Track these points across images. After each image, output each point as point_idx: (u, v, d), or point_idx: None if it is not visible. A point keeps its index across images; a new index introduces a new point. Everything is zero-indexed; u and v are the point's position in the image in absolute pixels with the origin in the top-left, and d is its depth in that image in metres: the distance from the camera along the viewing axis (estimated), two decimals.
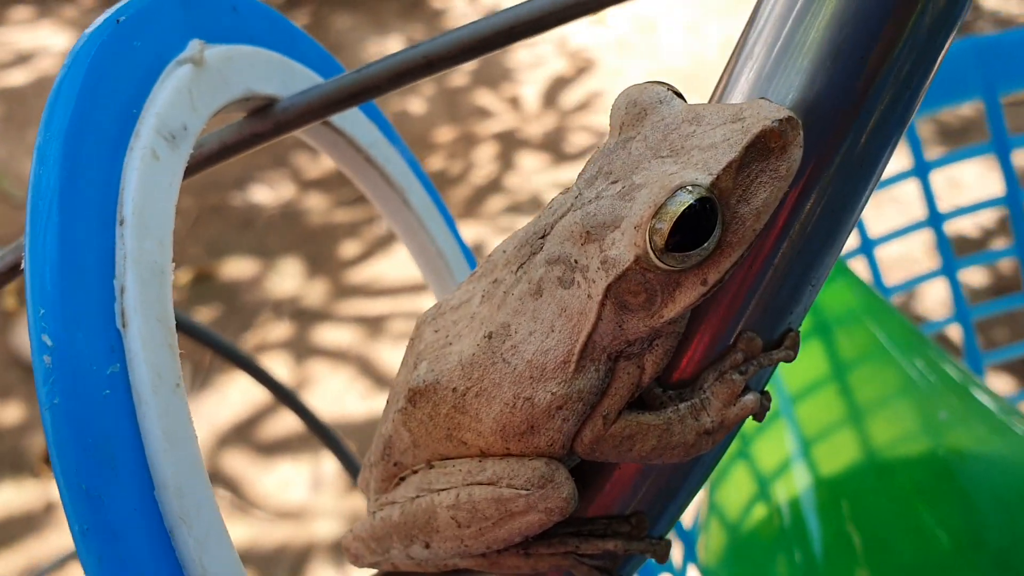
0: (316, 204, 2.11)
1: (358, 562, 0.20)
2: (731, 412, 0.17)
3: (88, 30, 0.17)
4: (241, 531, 1.51)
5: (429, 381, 0.18)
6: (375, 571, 0.21)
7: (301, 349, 1.78)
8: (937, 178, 0.39)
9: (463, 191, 2.11)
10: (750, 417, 0.18)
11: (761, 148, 0.15)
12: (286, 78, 0.22)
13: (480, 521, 0.18)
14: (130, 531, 0.13)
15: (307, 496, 1.55)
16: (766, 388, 0.19)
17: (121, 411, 0.14)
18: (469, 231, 2.00)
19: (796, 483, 0.33)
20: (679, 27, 2.54)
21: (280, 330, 1.82)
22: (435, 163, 2.20)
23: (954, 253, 0.41)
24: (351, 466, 0.37)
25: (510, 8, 0.19)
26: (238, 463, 1.61)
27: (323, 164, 2.23)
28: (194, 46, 0.19)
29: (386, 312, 1.84)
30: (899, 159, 0.41)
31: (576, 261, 0.16)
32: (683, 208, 0.15)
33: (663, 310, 0.16)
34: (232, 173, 2.21)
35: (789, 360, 0.18)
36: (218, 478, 1.58)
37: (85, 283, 0.14)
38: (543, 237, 0.17)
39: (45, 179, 0.15)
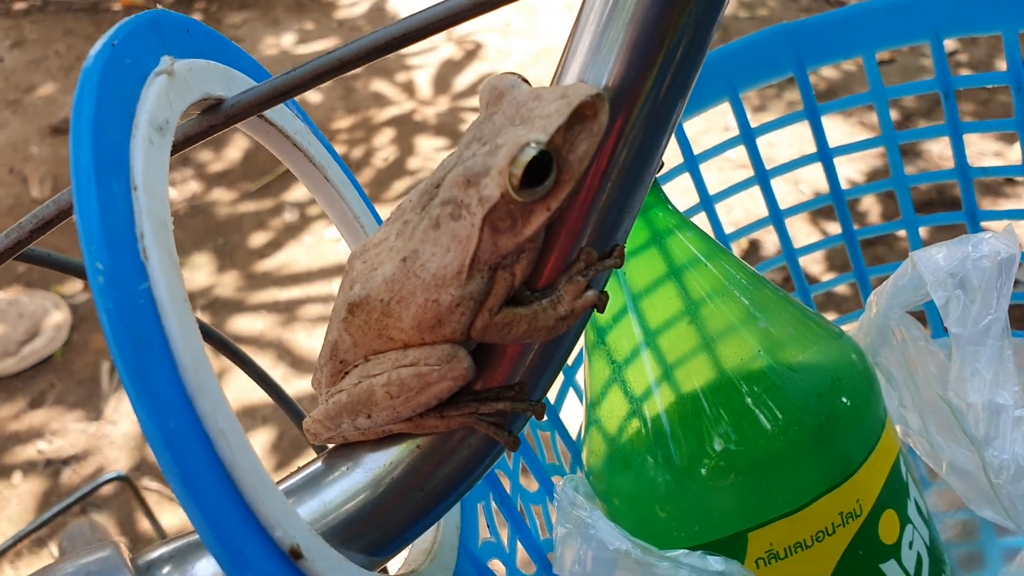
0: (221, 197, 2.13)
1: (316, 439, 0.27)
2: (578, 304, 0.24)
3: (93, 50, 0.23)
4: (173, 517, 1.54)
5: (362, 296, 0.24)
6: (329, 445, 0.27)
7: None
8: (762, 141, 0.47)
9: (366, 175, 2.16)
10: (595, 311, 0.25)
11: (580, 115, 0.22)
12: (230, 83, 0.28)
13: (406, 392, 0.24)
14: (166, 392, 0.19)
15: None
16: (605, 288, 0.26)
17: (151, 314, 0.20)
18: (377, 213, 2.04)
19: (648, 381, 0.40)
20: (559, 6, 2.62)
21: None
22: (337, 150, 2.23)
23: (779, 205, 0.51)
24: (296, 414, 0.43)
25: (412, 16, 0.26)
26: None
27: (225, 158, 2.25)
28: (165, 61, 0.25)
29: (299, 297, 1.88)
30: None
31: (461, 201, 0.23)
32: (529, 157, 0.22)
33: (523, 230, 0.23)
34: None
35: (618, 266, 0.25)
36: (147, 469, 1.61)
37: (118, 230, 0.20)
38: (437, 187, 0.24)
39: (83, 158, 0.20)
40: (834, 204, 0.50)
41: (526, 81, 0.24)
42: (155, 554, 0.25)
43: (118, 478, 0.75)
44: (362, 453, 0.26)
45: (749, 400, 0.38)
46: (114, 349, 0.19)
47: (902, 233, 0.51)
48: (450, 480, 0.26)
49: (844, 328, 0.44)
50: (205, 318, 1.85)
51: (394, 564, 0.29)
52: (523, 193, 0.22)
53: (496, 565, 0.34)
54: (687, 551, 0.35)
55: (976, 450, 0.32)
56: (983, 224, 0.49)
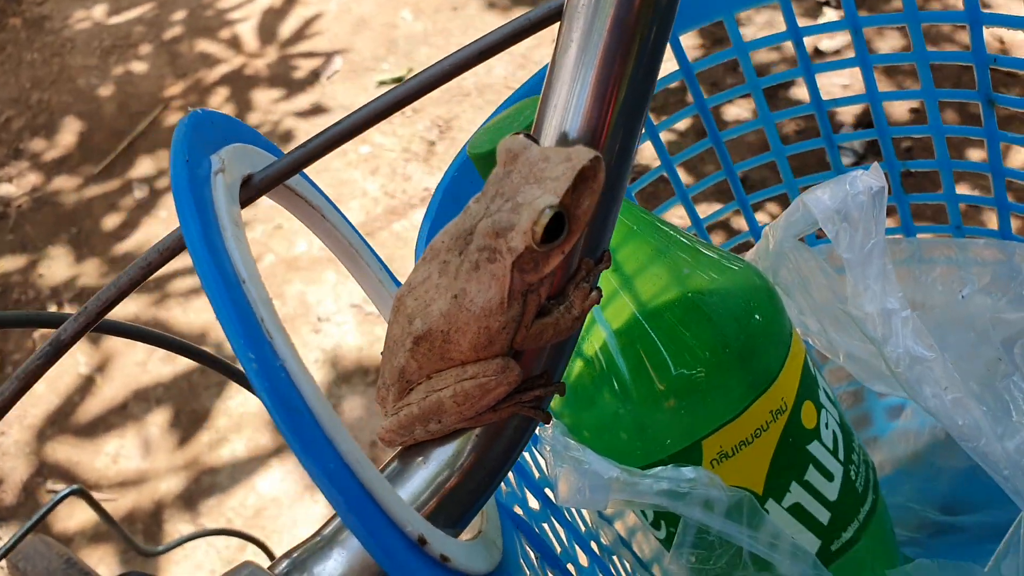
0: (65, 185, 2.07)
1: (391, 444, 0.33)
2: (586, 304, 0.31)
3: (174, 170, 0.28)
4: (85, 515, 1.55)
5: (425, 329, 0.30)
6: (399, 447, 0.34)
7: (92, 332, 1.79)
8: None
9: None
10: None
11: (583, 176, 0.28)
12: (253, 159, 0.33)
13: (471, 399, 0.31)
14: (319, 443, 0.25)
15: (139, 463, 1.61)
16: (598, 285, 0.33)
17: (290, 383, 0.25)
18: None
19: (602, 334, 0.48)
20: None
21: None
22: (173, 117, 2.19)
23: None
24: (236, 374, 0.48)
25: (416, 76, 0.31)
26: (64, 452, 1.63)
27: (60, 144, 2.18)
28: (216, 161, 0.30)
29: (166, 273, 1.87)
30: None
31: (494, 248, 0.29)
32: (547, 220, 0.27)
33: (544, 269, 0.28)
34: None
35: (607, 268, 0.32)
36: (48, 472, 1.61)
37: (249, 323, 0.26)
38: (471, 234, 0.30)
39: (209, 268, 0.26)
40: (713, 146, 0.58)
41: (535, 140, 0.30)
42: (286, 562, 0.31)
43: (74, 492, 0.77)
44: (431, 448, 0.32)
45: (682, 333, 0.46)
46: (277, 417, 0.25)
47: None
48: (503, 456, 0.32)
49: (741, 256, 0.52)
50: (73, 311, 1.82)
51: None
52: (543, 247, 0.28)
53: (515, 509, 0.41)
54: (664, 467, 0.43)
55: (877, 348, 0.41)
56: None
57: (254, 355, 0.25)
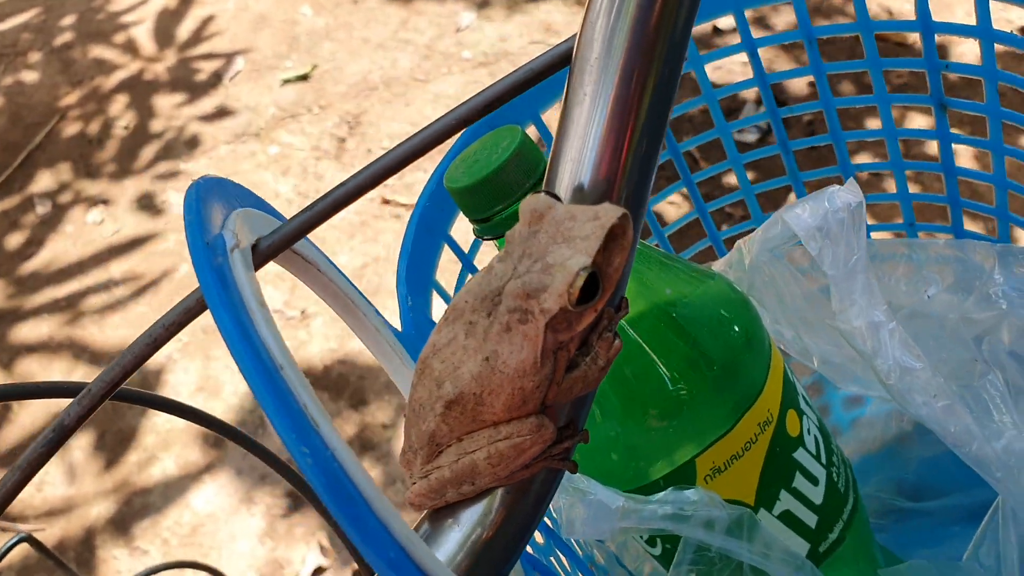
0: None
1: (420, 509, 0.32)
2: (611, 353, 0.31)
3: (196, 256, 0.27)
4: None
5: (456, 394, 0.30)
6: (426, 510, 0.33)
7: (4, 356, 1.72)
8: None
9: (110, 149, 2.06)
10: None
11: (612, 235, 0.27)
12: (255, 225, 0.32)
13: (506, 460, 0.30)
14: (376, 531, 0.25)
15: (67, 488, 1.56)
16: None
17: (341, 471, 0.25)
18: (133, 185, 1.97)
19: None
20: None
21: None
22: (71, 128, 2.11)
23: None
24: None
25: (419, 133, 0.31)
26: None
27: None
28: (230, 238, 0.29)
29: (78, 290, 1.81)
30: None
31: (526, 309, 0.29)
32: (583, 281, 0.26)
33: (577, 327, 0.28)
34: None
35: (626, 315, 0.32)
36: None
37: (293, 410, 0.25)
38: (499, 295, 0.30)
39: (253, 364, 0.25)
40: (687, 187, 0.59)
41: (558, 199, 0.29)
42: None
43: (23, 540, 0.75)
44: (461, 510, 0.32)
45: (668, 353, 0.47)
46: (335, 509, 0.24)
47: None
48: (533, 510, 0.32)
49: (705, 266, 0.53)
50: None
51: None
52: (578, 307, 0.28)
53: None
54: (667, 492, 0.43)
55: (867, 361, 0.42)
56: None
57: (308, 449, 0.24)
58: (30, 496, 1.55)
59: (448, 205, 0.50)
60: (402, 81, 2.14)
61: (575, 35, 0.32)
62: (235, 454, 1.54)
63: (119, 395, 0.38)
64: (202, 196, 0.29)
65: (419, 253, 0.48)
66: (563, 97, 0.32)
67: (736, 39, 0.55)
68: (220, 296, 0.26)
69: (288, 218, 0.33)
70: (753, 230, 0.60)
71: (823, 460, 0.50)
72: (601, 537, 0.42)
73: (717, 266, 0.54)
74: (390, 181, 1.97)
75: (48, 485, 1.56)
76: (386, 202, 1.89)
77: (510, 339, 0.29)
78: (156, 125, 2.10)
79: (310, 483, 0.25)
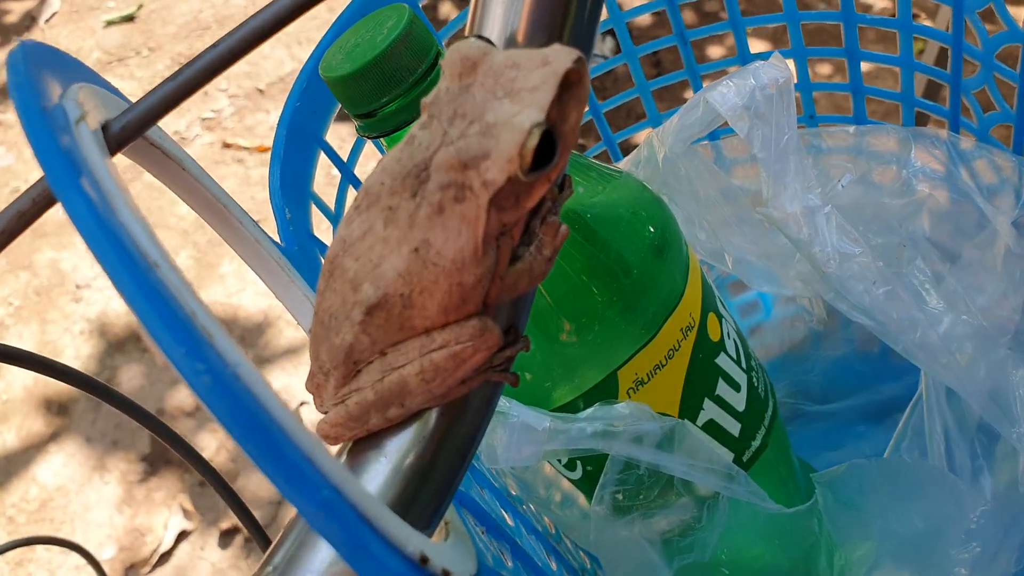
0: None
1: (337, 441, 0.26)
2: (558, 240, 0.26)
3: (25, 118, 0.20)
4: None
5: (380, 296, 0.24)
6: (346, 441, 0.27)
7: None
8: None
9: None
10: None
11: (567, 83, 0.22)
12: (104, 101, 0.25)
13: (442, 373, 0.25)
14: (305, 467, 0.19)
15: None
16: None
17: (248, 392, 0.20)
18: None
19: None
20: None
21: None
22: None
23: None
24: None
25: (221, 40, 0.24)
26: None
27: None
28: (74, 108, 0.22)
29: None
30: None
31: (463, 183, 0.23)
32: (536, 142, 0.21)
33: (527, 203, 0.22)
34: None
35: (571, 195, 0.27)
36: None
37: (176, 317, 0.19)
38: (425, 169, 0.24)
39: (111, 259, 0.19)
40: None
41: (491, 44, 0.24)
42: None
43: None
44: (386, 438, 0.26)
45: (583, 261, 0.42)
46: (247, 442, 0.19)
47: None
48: (472, 433, 0.27)
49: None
50: None
51: None
52: (530, 174, 0.23)
53: None
54: (595, 408, 0.39)
55: (803, 251, 0.38)
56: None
57: (204, 365, 0.18)
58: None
59: (321, 105, 0.43)
60: (236, 19, 2.01)
61: None
62: (82, 421, 1.43)
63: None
64: (31, 59, 0.22)
65: (292, 160, 0.41)
66: None
67: None
68: (70, 176, 0.19)
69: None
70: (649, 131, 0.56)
71: (743, 365, 0.47)
72: (526, 463, 0.37)
73: (623, 165, 0.49)
74: (229, 124, 1.85)
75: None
76: (227, 146, 1.77)
77: (444, 223, 0.23)
78: None
79: (211, 410, 0.19)
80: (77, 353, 1.50)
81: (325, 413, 0.27)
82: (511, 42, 0.25)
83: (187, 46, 1.96)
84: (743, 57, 0.53)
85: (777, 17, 0.51)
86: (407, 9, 0.38)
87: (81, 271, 1.60)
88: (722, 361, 0.45)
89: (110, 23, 2.02)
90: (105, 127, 0.24)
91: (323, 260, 0.27)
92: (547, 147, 0.23)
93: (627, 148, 0.57)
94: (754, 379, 0.48)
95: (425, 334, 0.25)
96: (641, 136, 0.68)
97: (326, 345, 0.26)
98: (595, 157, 0.60)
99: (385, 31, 0.37)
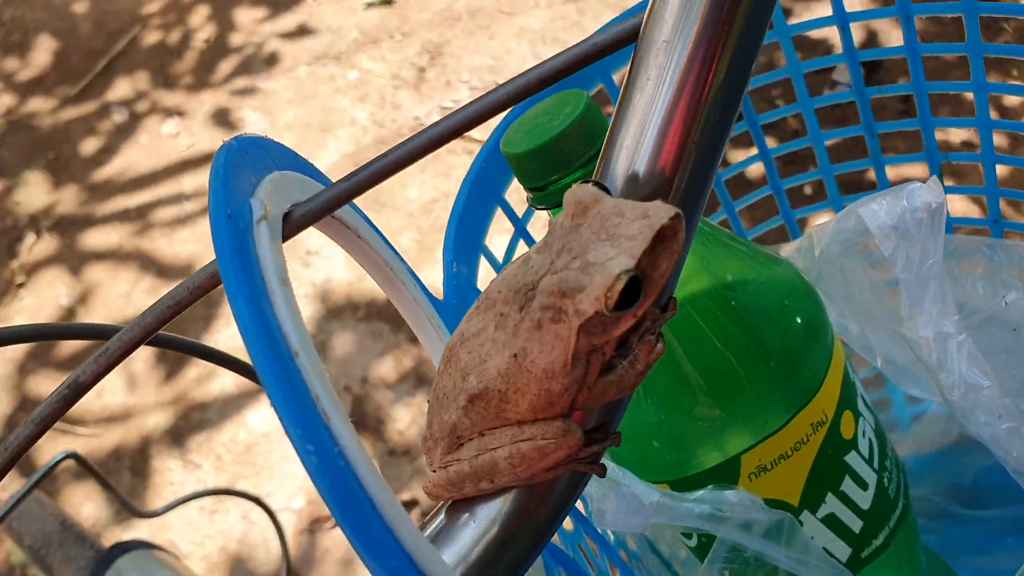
0: (41, 107, 2.01)
1: (438, 499, 0.31)
2: (651, 358, 0.29)
3: (216, 228, 0.26)
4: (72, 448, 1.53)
5: (481, 388, 0.28)
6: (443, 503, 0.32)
7: (74, 261, 1.75)
8: None
9: (188, 60, 2.07)
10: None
11: (661, 236, 0.25)
12: (291, 191, 0.30)
13: (528, 462, 0.28)
14: (383, 538, 0.23)
15: (126, 399, 1.59)
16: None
17: (350, 471, 0.24)
18: (209, 99, 1.97)
19: None
20: None
21: (45, 246, 1.78)
22: (152, 37, 2.12)
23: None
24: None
25: (470, 104, 0.29)
26: (45, 387, 1.61)
27: (34, 64, 2.10)
28: (257, 207, 0.27)
29: (149, 201, 1.83)
30: None
31: (560, 308, 0.26)
32: (622, 286, 0.24)
33: (613, 332, 0.25)
34: None
35: (674, 317, 0.30)
36: (31, 407, 1.58)
37: (304, 403, 0.23)
38: (533, 289, 0.28)
39: (262, 350, 0.23)
40: (763, 162, 0.56)
41: (607, 191, 0.27)
42: None
43: (68, 457, 0.76)
44: (479, 505, 0.30)
45: (723, 341, 0.44)
46: (338, 515, 0.23)
47: None
48: (554, 514, 0.31)
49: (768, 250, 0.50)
50: (53, 241, 1.78)
51: None
52: (615, 314, 0.26)
53: None
54: (705, 491, 0.41)
55: (931, 375, 0.39)
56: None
57: (313, 447, 0.23)
58: (90, 402, 1.59)
59: (505, 167, 0.48)
60: (487, 12, 2.09)
61: (646, 8, 0.29)
62: None
63: (153, 341, 0.37)
64: (232, 160, 0.28)
65: (470, 217, 0.46)
66: (624, 78, 0.29)
67: (826, 9, 0.52)
68: (236, 274, 0.24)
69: (332, 182, 0.31)
70: (830, 212, 0.57)
71: (875, 464, 0.47)
72: (632, 531, 0.40)
73: (786, 251, 0.51)
74: None
75: (108, 393, 1.60)
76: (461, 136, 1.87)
77: (540, 337, 0.27)
78: (236, 39, 2.09)
79: (315, 485, 0.23)
80: None
81: (433, 472, 0.31)
82: (628, 186, 0.28)
83: (438, 34, 2.07)
84: (930, 154, 0.53)
85: (968, 121, 0.50)
86: (585, 97, 0.41)
87: (315, 238, 1.74)
88: (851, 459, 0.46)
89: (370, 5, 2.15)
90: (289, 213, 0.29)
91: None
92: (633, 290, 0.26)
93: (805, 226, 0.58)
94: (885, 479, 0.48)
95: (517, 425, 0.28)
96: (822, 216, 0.68)
97: (437, 418, 0.30)
98: (773, 231, 0.62)
99: (562, 116, 0.41)
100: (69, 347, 1.66)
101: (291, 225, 0.29)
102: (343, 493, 0.23)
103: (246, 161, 0.29)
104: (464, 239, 0.45)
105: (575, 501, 0.31)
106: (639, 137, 0.28)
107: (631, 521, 0.40)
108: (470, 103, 0.30)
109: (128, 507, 0.83)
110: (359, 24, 2.13)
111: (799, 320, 0.45)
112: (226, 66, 2.05)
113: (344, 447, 0.24)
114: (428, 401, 0.31)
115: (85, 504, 1.46)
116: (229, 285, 0.24)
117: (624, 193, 0.28)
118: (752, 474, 0.44)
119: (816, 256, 0.46)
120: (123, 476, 1.51)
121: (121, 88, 2.03)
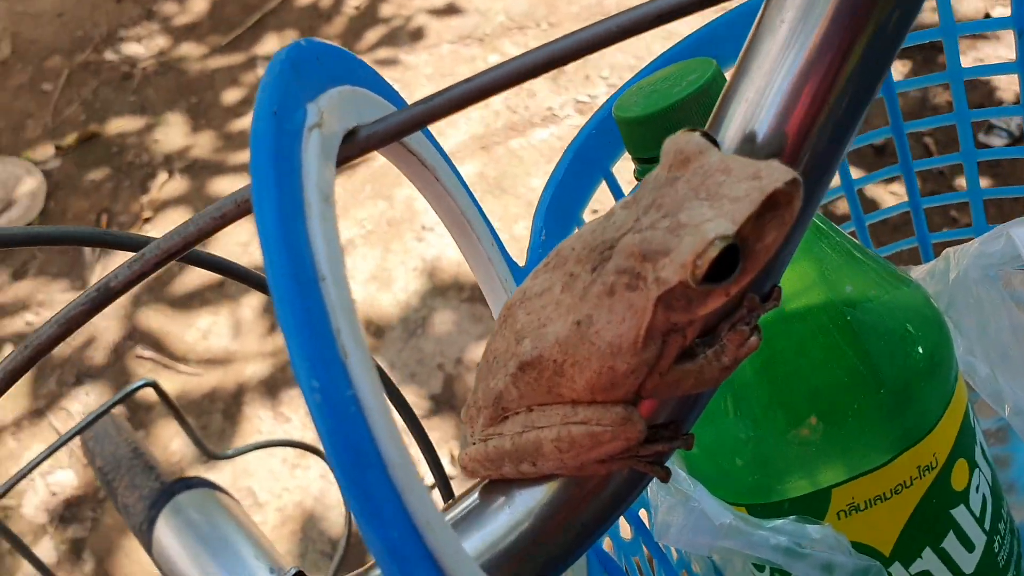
0: (191, 52, 2.06)
1: (473, 475, 0.27)
2: (742, 352, 0.25)
3: (257, 125, 0.23)
4: (168, 386, 1.56)
5: (535, 355, 0.24)
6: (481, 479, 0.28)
7: (199, 204, 1.78)
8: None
9: (337, 25, 2.09)
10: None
11: (772, 203, 0.21)
12: (362, 108, 0.27)
13: (577, 448, 0.25)
14: (388, 505, 0.20)
15: (229, 343, 1.61)
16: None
17: (360, 420, 0.20)
18: None
19: None
20: None
21: (175, 186, 1.82)
22: (303, 0, 2.15)
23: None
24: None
25: (545, 46, 0.25)
26: (156, 321, 1.64)
27: (191, 10, 2.16)
28: (313, 113, 0.24)
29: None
30: None
31: (638, 273, 0.22)
32: (716, 254, 0.20)
33: (698, 310, 0.22)
34: (99, 29, 2.12)
35: (776, 308, 0.26)
36: (139, 338, 1.62)
37: (319, 333, 0.20)
38: (610, 248, 0.24)
39: (279, 266, 0.20)
40: (903, 175, 0.50)
41: (715, 144, 0.23)
42: None
43: (147, 385, 0.75)
44: (518, 490, 0.26)
45: (832, 361, 0.39)
46: (339, 471, 0.20)
47: None
48: (603, 512, 0.27)
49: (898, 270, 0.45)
50: (183, 182, 1.82)
51: None
52: (703, 285, 0.22)
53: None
54: (787, 520, 0.36)
55: None
56: None
57: (320, 382, 0.20)
58: (195, 342, 1.61)
59: (617, 137, 0.44)
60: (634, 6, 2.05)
61: None
62: (391, 348, 1.55)
63: (186, 257, 0.34)
64: (296, 60, 0.25)
65: (570, 184, 0.42)
66: (755, 20, 0.25)
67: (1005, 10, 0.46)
68: (269, 174, 0.21)
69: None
70: (970, 240, 0.51)
71: (986, 525, 0.42)
72: (696, 551, 0.36)
73: (917, 273, 0.45)
74: None
75: (214, 335, 1.62)
76: None
77: (611, 305, 0.23)
78: (386, 10, 2.10)
79: (316, 427, 0.20)
80: (405, 286, 1.62)
81: (473, 444, 0.27)
82: (744, 145, 0.24)
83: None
84: None
85: None
86: (713, 66, 0.37)
87: (430, 214, 1.73)
88: (959, 514, 0.41)
89: None
90: (353, 131, 0.26)
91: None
92: (729, 261, 0.21)
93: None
94: (996, 543, 0.42)
95: (571, 404, 0.25)
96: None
97: (484, 384, 0.26)
98: (905, 252, 0.56)
99: (685, 83, 0.37)
100: (183, 284, 1.69)
101: (354, 145, 0.26)
102: (348, 444, 0.20)
103: (314, 67, 0.26)
104: (559, 207, 0.41)
105: (629, 504, 0.27)
106: (764, 89, 0.24)
107: (697, 540, 0.35)
108: (567, 35, 0.26)
109: (199, 444, 0.82)
110: (507, 9, 2.11)
111: (921, 350, 0.40)
112: (372, 35, 2.06)
113: (360, 391, 0.20)
114: (478, 365, 0.28)
115: (175, 439, 1.48)
116: (258, 189, 0.21)
117: (739, 151, 0.24)
118: (842, 512, 0.39)
119: (950, 281, 0.41)
120: (214, 418, 1.53)
121: (269, 44, 2.07)
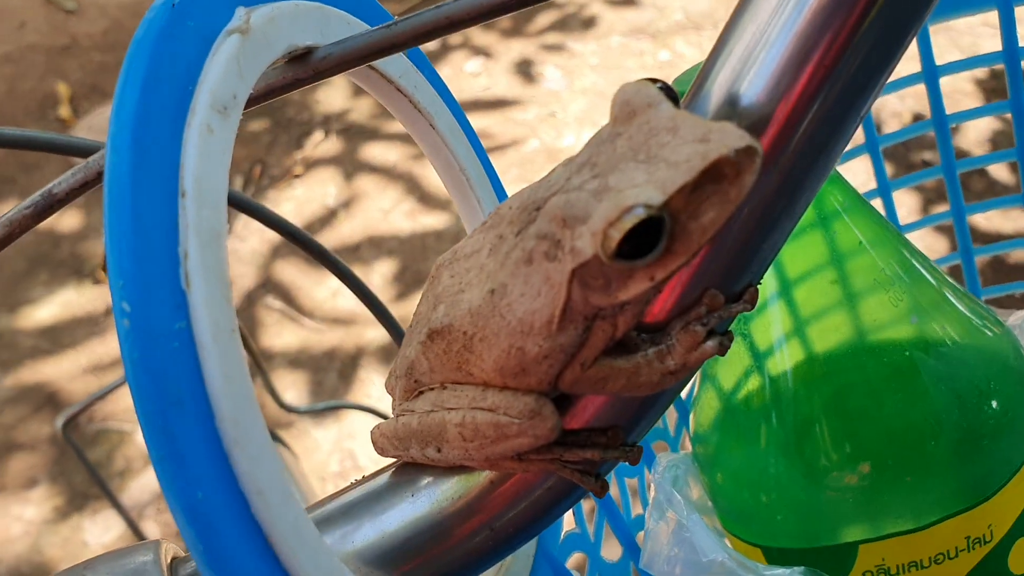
0: None
1: (383, 453, 0.24)
2: (692, 356, 0.21)
3: (147, 16, 0.20)
4: (291, 338, 1.59)
5: (444, 324, 0.21)
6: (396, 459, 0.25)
7: (349, 166, 1.81)
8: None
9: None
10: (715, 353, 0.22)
11: (715, 173, 0.17)
12: (323, 26, 0.24)
13: (481, 438, 0.21)
14: (195, 455, 0.17)
15: (355, 306, 1.63)
16: (729, 328, 0.22)
17: (186, 359, 0.17)
18: (518, 47, 1.98)
19: (785, 359, 0.36)
20: None
21: (328, 146, 1.85)
22: None
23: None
24: (397, 336, 0.41)
25: None
26: (289, 274, 1.68)
27: None
28: (240, 15, 0.22)
29: None
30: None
31: (558, 241, 0.19)
32: (631, 225, 0.17)
33: (618, 294, 0.18)
34: None
35: (748, 311, 0.21)
36: (271, 287, 1.66)
37: (154, 253, 0.17)
38: (538, 209, 0.20)
39: (118, 165, 0.18)
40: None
41: (672, 98, 0.19)
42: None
43: None
44: (428, 480, 0.23)
45: (884, 398, 0.34)
46: (136, 404, 0.17)
47: None
48: (522, 521, 0.23)
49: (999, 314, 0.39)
50: (339, 143, 1.85)
51: None
52: (616, 261, 0.18)
53: (576, 556, 0.31)
54: (792, 570, 0.32)
55: None
56: None
57: (132, 305, 0.17)
58: (324, 299, 1.64)
59: None
60: None
61: None
62: None
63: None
64: None
65: None
66: None
67: None
68: (136, 71, 0.18)
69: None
70: None
71: None
72: None
73: (1014, 320, 0.39)
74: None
75: (342, 296, 1.64)
76: None
77: (527, 276, 0.19)
78: None
79: (122, 354, 0.17)
80: None
81: (383, 421, 0.24)
82: (722, 109, 0.20)
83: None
84: None
85: None
86: None
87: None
88: None
89: None
90: (308, 52, 0.23)
91: None
92: (650, 235, 0.17)
93: None
94: None
95: (482, 387, 0.21)
96: None
97: (402, 351, 0.23)
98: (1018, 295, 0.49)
99: None
100: (321, 243, 1.71)
101: (307, 66, 0.23)
102: (153, 377, 0.17)
103: None
104: None
105: (553, 517, 0.23)
106: (753, 47, 0.20)
107: (682, 574, 0.31)
108: None
109: (274, 396, 0.82)
110: (686, 7, 2.05)
111: (995, 405, 0.34)
112: (544, 19, 2.04)
113: (196, 327, 0.18)
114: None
115: (289, 391, 1.51)
116: (123, 80, 0.19)
117: (718, 115, 0.20)
118: (869, 572, 0.34)
119: None
120: (329, 375, 1.54)
121: None
